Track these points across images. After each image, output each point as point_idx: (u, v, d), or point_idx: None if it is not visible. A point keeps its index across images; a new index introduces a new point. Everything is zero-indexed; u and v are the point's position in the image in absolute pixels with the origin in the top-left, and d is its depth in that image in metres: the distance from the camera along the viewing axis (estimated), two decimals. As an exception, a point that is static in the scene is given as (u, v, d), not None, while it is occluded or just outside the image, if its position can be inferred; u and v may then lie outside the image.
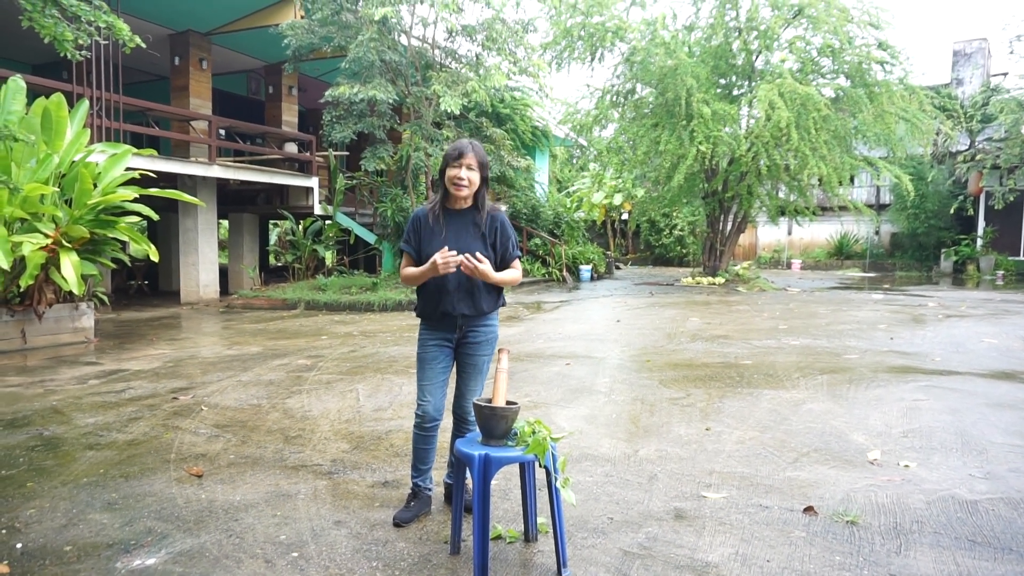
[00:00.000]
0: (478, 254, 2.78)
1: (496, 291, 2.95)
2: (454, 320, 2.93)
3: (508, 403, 2.69)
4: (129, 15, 11.74)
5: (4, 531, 2.94)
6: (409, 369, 6.24)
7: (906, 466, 3.61)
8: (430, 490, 3.11)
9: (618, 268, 24.17)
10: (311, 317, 10.47)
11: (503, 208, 19.27)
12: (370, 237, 14.79)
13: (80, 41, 5.34)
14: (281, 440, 4.12)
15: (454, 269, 2.72)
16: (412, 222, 2.89)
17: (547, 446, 2.54)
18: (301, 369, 6.24)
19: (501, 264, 2.92)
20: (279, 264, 19.97)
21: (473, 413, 2.81)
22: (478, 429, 2.69)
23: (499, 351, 2.81)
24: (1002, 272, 18.97)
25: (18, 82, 7.54)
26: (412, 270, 2.83)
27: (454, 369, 3.03)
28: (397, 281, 13.25)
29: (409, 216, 3.10)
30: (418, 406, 2.98)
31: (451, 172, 2.80)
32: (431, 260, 2.74)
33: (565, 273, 17.53)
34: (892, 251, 24.79)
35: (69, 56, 5.37)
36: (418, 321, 3.08)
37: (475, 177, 2.81)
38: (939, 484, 3.39)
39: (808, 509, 3.11)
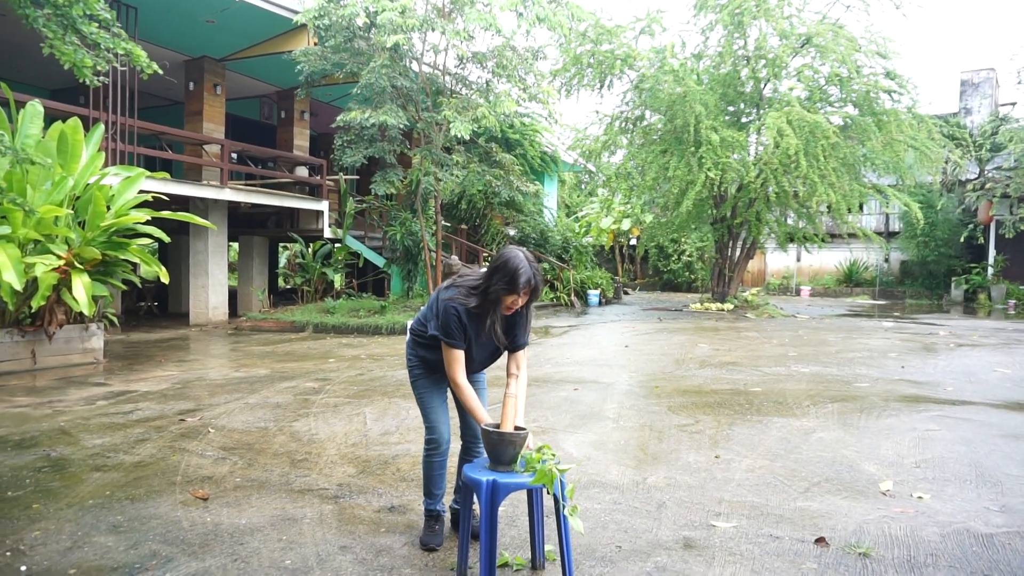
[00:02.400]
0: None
1: None
2: None
3: (516, 428, 2.68)
4: (146, 41, 11.99)
5: (9, 553, 2.93)
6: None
7: (919, 497, 3.57)
8: (445, 512, 3.11)
9: (626, 293, 24.12)
10: (319, 340, 10.48)
11: (511, 231, 19.40)
12: (379, 260, 14.86)
13: (99, 67, 5.45)
14: (287, 463, 4.11)
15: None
16: (454, 318, 2.77)
17: (555, 474, 2.53)
18: (308, 392, 6.24)
19: (512, 348, 2.91)
20: (288, 287, 20.10)
21: (481, 438, 2.80)
22: (486, 454, 2.68)
23: (508, 376, 2.81)
24: (1014, 301, 18.83)
25: (36, 107, 7.69)
26: (466, 400, 2.74)
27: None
28: (406, 304, 13.30)
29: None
30: (429, 431, 2.98)
31: (509, 299, 2.75)
32: (476, 410, 2.72)
33: (573, 298, 17.52)
34: (902, 279, 24.68)
35: (87, 82, 5.48)
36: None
37: (524, 300, 2.80)
38: (953, 516, 3.34)
39: (820, 540, 3.07)
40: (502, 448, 2.58)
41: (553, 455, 2.63)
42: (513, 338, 2.87)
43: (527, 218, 18.78)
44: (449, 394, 3.04)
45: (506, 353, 2.92)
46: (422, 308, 3.13)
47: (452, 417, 3.09)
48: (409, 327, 3.06)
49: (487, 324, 2.75)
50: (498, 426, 2.68)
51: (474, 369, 2.94)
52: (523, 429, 2.66)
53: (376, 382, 6.77)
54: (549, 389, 6.40)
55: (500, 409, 2.77)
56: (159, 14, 11.37)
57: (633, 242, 29.36)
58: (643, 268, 29.56)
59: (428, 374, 2.98)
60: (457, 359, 2.75)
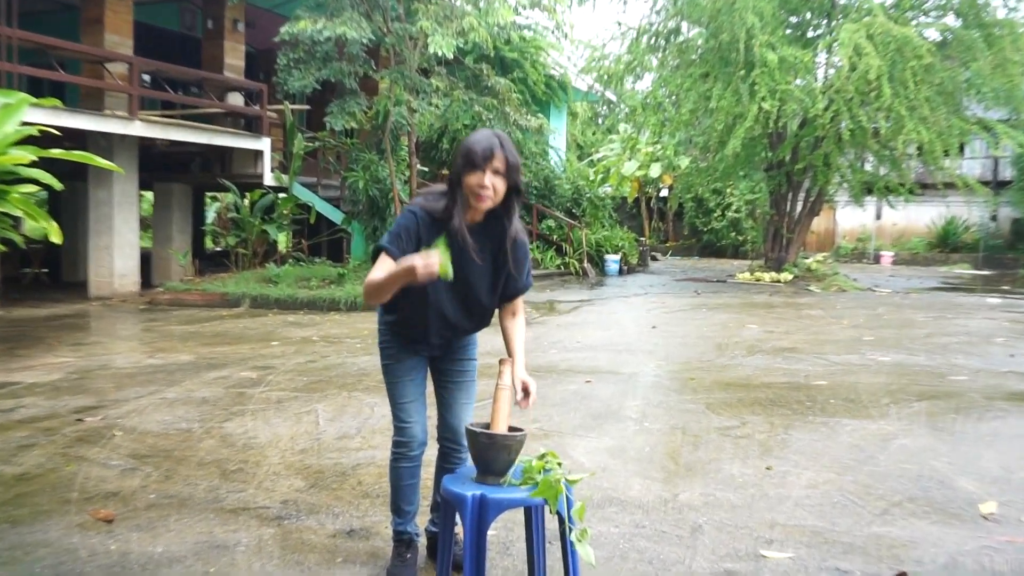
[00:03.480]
0: (529, 382, 2.78)
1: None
2: (434, 347, 2.98)
3: (511, 430, 2.68)
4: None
5: None
6: (380, 385, 6.24)
7: (1029, 520, 3.59)
8: (419, 536, 3.12)
9: (655, 259, 24.19)
10: (259, 317, 10.48)
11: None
12: (336, 215, 14.81)
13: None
14: (217, 475, 4.13)
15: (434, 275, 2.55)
16: (407, 220, 2.75)
17: (561, 487, 2.53)
18: (245, 384, 6.25)
19: (504, 296, 2.93)
20: (218, 249, 20.11)
21: (465, 440, 2.79)
22: (471, 461, 2.67)
23: (501, 363, 2.80)
24: None
25: None
26: (379, 276, 2.64)
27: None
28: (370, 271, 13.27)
29: (397, 209, 3.04)
30: (399, 431, 2.97)
31: (472, 179, 2.71)
32: (407, 263, 2.51)
33: (586, 265, 17.57)
34: (1014, 242, 24.72)
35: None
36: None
37: (502, 185, 2.76)
38: (1072, 544, 3.37)
39: (901, 575, 3.09)
40: (493, 454, 2.58)
41: (559, 464, 2.63)
42: (517, 284, 2.89)
43: (528, 161, 18.71)
44: (430, 385, 3.03)
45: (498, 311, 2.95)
46: None
47: (431, 416, 3.08)
48: None
49: (458, 242, 2.73)
50: (488, 426, 2.67)
51: (447, 330, 2.92)
52: (520, 430, 2.66)
53: (332, 371, 6.77)
54: (554, 381, 6.41)
55: (490, 405, 2.75)
56: None
57: (664, 193, 29.34)
58: (677, 227, 29.63)
59: (403, 352, 2.96)
60: (379, 264, 2.73)
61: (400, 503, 3.04)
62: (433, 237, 2.72)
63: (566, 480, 2.55)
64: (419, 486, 3.06)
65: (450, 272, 2.49)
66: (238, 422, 5.13)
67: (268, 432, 4.91)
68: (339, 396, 5.85)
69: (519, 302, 2.95)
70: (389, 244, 2.74)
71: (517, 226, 2.86)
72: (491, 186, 2.70)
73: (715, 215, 26.93)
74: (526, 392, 2.77)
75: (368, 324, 9.70)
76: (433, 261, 2.46)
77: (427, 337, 2.92)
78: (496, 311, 2.96)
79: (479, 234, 2.81)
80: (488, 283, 2.87)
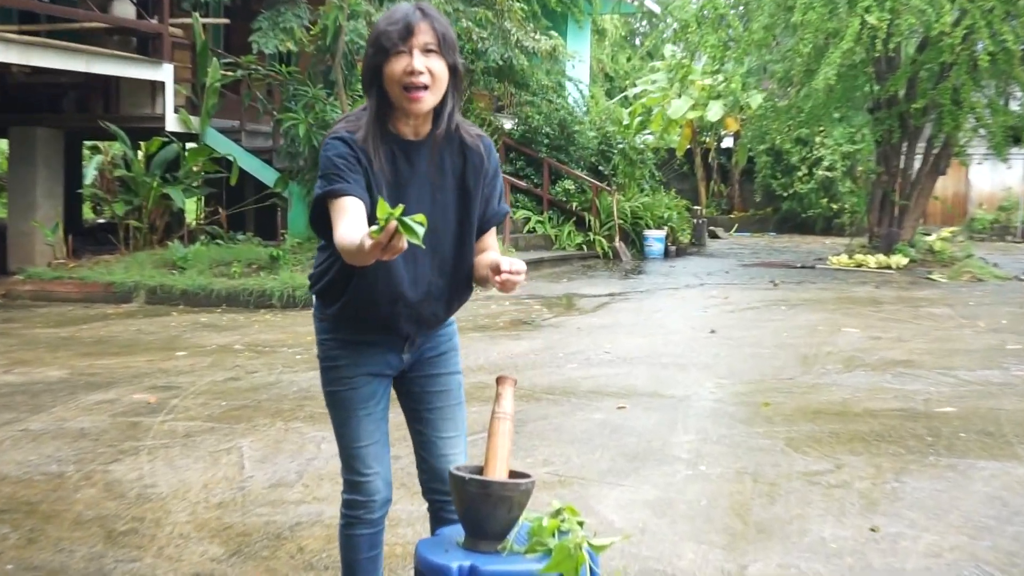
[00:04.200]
0: (516, 261, 2.72)
1: (471, 282, 2.98)
2: (404, 339, 2.94)
3: (513, 475, 2.68)
4: None
5: None
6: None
7: None
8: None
9: (714, 236, 24.19)
10: (158, 317, 10.48)
11: (506, 122, 19.20)
12: (267, 175, 14.78)
13: None
14: (101, 538, 4.13)
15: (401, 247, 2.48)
16: (338, 146, 2.72)
17: (582, 557, 2.53)
18: (139, 410, 6.25)
19: (480, 227, 2.92)
20: (101, 221, 20.07)
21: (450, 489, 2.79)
22: (459, 520, 2.68)
23: (498, 382, 2.80)
24: None
25: None
26: (353, 238, 2.52)
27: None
28: (313, 254, 13.25)
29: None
30: (353, 486, 2.97)
31: (394, 66, 2.68)
32: (370, 238, 2.36)
33: (618, 244, 17.57)
34: None
35: None
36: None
37: (440, 66, 2.75)
38: None
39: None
40: (488, 509, 2.58)
41: (579, 523, 2.63)
42: (488, 210, 2.92)
43: (535, 98, 18.67)
44: (394, 407, 3.03)
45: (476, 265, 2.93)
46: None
47: (400, 454, 3.09)
48: (309, 277, 3.02)
49: (398, 170, 2.75)
50: (480, 470, 2.68)
51: (417, 315, 2.88)
52: (525, 476, 2.66)
53: (262, 393, 6.77)
54: (573, 407, 6.41)
55: (484, 442, 2.76)
56: None
57: (728, 144, 29.27)
58: (745, 191, 29.63)
59: (357, 369, 2.93)
60: (340, 211, 2.65)
61: (354, 584, 3.05)
62: (365, 164, 2.74)
63: (590, 546, 2.55)
64: (381, 558, 3.06)
65: (420, 232, 2.37)
66: (130, 464, 5.12)
67: (172, 478, 4.89)
68: (272, 428, 5.84)
69: (489, 239, 2.97)
70: (336, 184, 2.67)
71: (469, 129, 2.88)
72: (425, 70, 2.69)
73: (799, 175, 26.84)
74: (503, 273, 2.68)
75: (311, 326, 9.70)
76: (392, 234, 2.31)
77: (393, 325, 2.88)
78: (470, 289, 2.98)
79: (428, 152, 2.81)
80: (455, 222, 2.85)
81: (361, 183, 2.70)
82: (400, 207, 2.31)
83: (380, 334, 2.92)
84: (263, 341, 8.93)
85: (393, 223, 2.30)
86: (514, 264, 2.67)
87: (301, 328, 9.63)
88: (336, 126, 2.79)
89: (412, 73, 2.66)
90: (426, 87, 2.68)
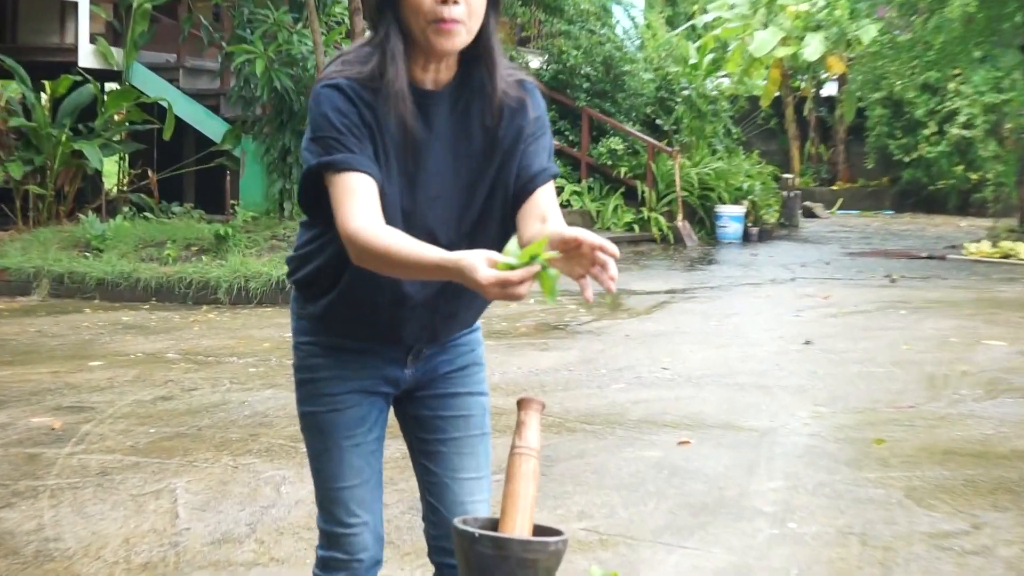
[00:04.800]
0: (609, 245, 2.50)
1: None
2: (408, 349, 2.91)
3: (539, 531, 2.66)
4: None
5: None
6: (301, 444, 6.20)
7: None
8: None
9: (811, 215, 24.10)
10: (67, 314, 10.52)
11: (533, 61, 19.05)
12: (212, 126, 14.84)
13: None
14: (-13, 609, 4.13)
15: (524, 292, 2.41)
16: (335, 100, 2.65)
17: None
18: (40, 439, 6.28)
19: (518, 195, 2.82)
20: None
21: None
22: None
23: (521, 407, 2.78)
24: None
25: None
26: (403, 246, 2.52)
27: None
28: (273, 232, 13.27)
29: (311, 86, 2.87)
30: (332, 540, 2.95)
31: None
32: (489, 266, 2.34)
33: (681, 223, 17.50)
34: None
35: None
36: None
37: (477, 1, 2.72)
38: None
39: None
40: (504, 575, 2.56)
41: (628, 600, 2.62)
42: (539, 174, 2.79)
43: (572, 27, 18.63)
44: (387, 435, 3.00)
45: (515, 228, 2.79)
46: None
47: (388, 500, 3.06)
48: (288, 261, 3.00)
49: (415, 126, 2.69)
50: (495, 523, 2.66)
51: (422, 323, 2.84)
52: (556, 533, 2.64)
53: (202, 417, 6.78)
54: (619, 441, 6.41)
55: (501, 487, 2.74)
56: None
57: (830, 90, 29.12)
58: (852, 154, 29.45)
59: (343, 383, 2.91)
60: (348, 192, 2.63)
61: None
62: (383, 120, 2.69)
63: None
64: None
65: (556, 291, 2.31)
66: (26, 510, 5.13)
67: (82, 530, 4.89)
68: (215, 464, 5.84)
69: (545, 202, 2.76)
70: (336, 153, 2.64)
71: (517, 79, 2.82)
72: (463, 2, 2.67)
73: (926, 134, 26.76)
74: (595, 255, 2.38)
75: (270, 330, 9.70)
76: (524, 280, 2.31)
77: (395, 331, 2.86)
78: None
79: (450, 106, 2.79)
80: (484, 197, 2.80)
81: (369, 151, 2.67)
82: (544, 244, 2.30)
83: (377, 341, 2.91)
84: (205, 348, 8.94)
85: (536, 267, 2.30)
86: (597, 239, 2.38)
87: (256, 331, 9.67)
88: (328, 69, 2.75)
89: (445, 1, 2.62)
90: (460, 23, 2.65)
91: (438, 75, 2.76)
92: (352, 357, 2.92)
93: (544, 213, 2.75)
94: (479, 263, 2.31)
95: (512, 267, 2.29)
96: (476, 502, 2.98)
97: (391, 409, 3.04)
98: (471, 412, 3.01)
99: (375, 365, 2.93)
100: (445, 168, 2.77)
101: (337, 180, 2.63)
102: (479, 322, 3.05)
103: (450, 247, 2.75)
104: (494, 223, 2.84)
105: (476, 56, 2.75)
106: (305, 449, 3.00)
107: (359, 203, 2.60)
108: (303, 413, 2.98)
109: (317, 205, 2.73)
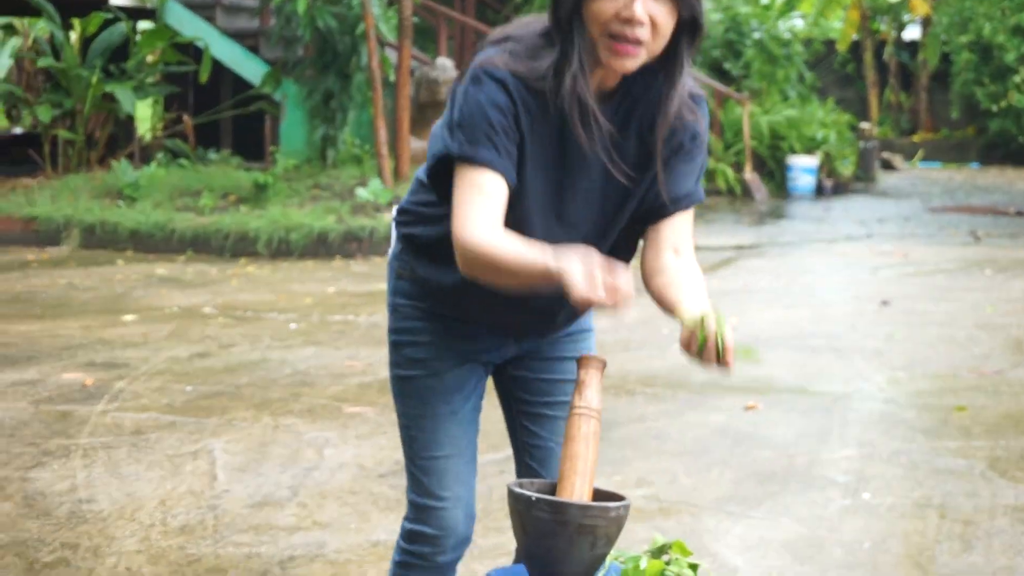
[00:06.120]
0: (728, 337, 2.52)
1: None
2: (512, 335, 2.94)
3: (599, 496, 2.69)
4: None
5: None
6: (345, 405, 6.28)
7: None
8: None
9: (889, 167, 23.88)
10: (97, 266, 10.62)
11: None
12: (251, 68, 14.86)
13: None
14: (18, 571, 4.19)
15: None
16: (495, 96, 2.60)
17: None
18: (72, 396, 6.33)
19: (650, 216, 2.79)
20: (18, 130, 20.17)
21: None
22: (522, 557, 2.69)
23: (580, 366, 2.79)
24: None
25: None
26: (509, 249, 2.52)
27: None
28: (315, 181, 13.29)
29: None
30: (417, 511, 2.97)
31: (605, 5, 2.59)
32: (561, 266, 2.39)
33: (750, 175, 17.36)
34: None
35: None
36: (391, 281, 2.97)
37: (665, 15, 2.64)
38: None
39: None
40: (562, 543, 2.58)
41: (692, 567, 2.64)
42: (686, 196, 2.76)
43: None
44: (481, 410, 3.02)
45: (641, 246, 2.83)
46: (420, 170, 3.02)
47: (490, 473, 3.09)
48: (399, 211, 2.98)
49: (571, 129, 2.62)
50: (553, 487, 2.68)
51: (548, 312, 2.83)
52: (618, 498, 2.66)
53: (241, 375, 6.84)
54: (682, 405, 6.43)
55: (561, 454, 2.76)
56: None
57: (913, 33, 28.82)
58: (936, 103, 29.13)
59: (445, 353, 2.95)
60: (475, 190, 2.59)
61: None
62: (536, 133, 2.64)
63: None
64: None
65: (756, 354, 2.45)
66: (58, 470, 5.18)
67: (116, 491, 4.95)
68: (255, 425, 5.89)
69: (681, 231, 2.78)
70: (481, 148, 2.60)
71: (689, 93, 2.74)
72: (645, 18, 2.61)
73: (1016, 80, 26.45)
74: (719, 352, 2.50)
75: (316, 284, 9.73)
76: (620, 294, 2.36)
77: (505, 326, 2.89)
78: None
79: (616, 112, 2.72)
80: (630, 203, 2.76)
81: (513, 155, 2.62)
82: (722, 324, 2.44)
83: (482, 336, 2.92)
84: (244, 303, 8.99)
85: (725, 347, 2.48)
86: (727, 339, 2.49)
87: (297, 286, 9.70)
88: (491, 52, 2.68)
89: (627, 20, 2.54)
90: (641, 43, 2.59)
91: (605, 81, 2.71)
92: (455, 326, 2.91)
93: (678, 244, 2.77)
94: (578, 282, 2.31)
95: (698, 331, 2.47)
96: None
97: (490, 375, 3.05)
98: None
99: (479, 336, 2.93)
100: (596, 179, 2.72)
101: (470, 174, 2.60)
102: None
103: (606, 244, 2.77)
104: (624, 249, 2.84)
105: (651, 67, 2.68)
106: (398, 422, 2.99)
107: (484, 208, 2.58)
108: (397, 377, 2.97)
109: (440, 185, 2.71)
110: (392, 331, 2.96)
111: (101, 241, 11.56)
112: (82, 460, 5.33)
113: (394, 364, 2.96)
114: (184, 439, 5.65)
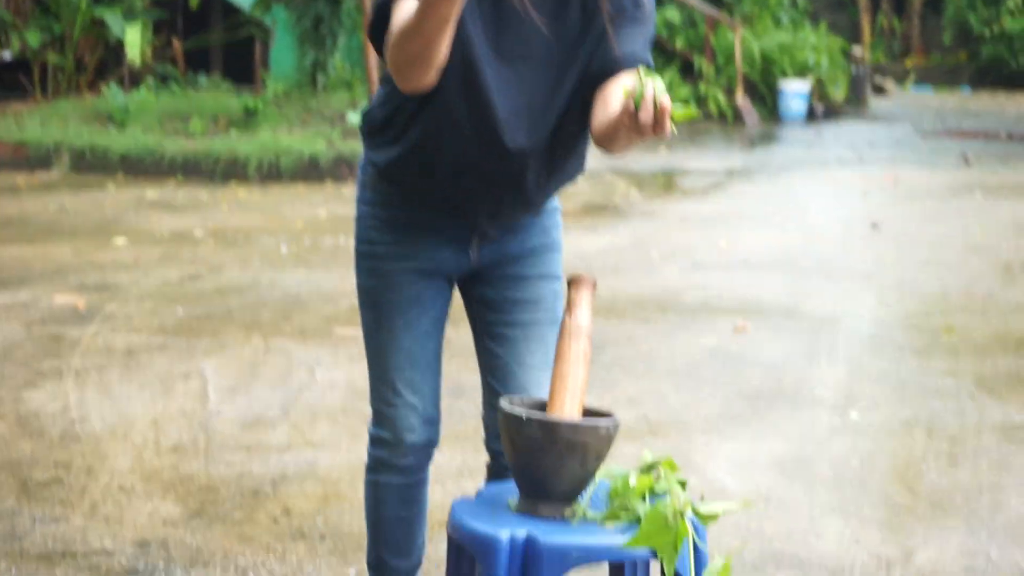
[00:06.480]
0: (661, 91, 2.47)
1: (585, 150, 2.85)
2: (472, 228, 2.88)
3: (589, 414, 2.69)
4: None
5: None
6: (336, 327, 6.30)
7: None
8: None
9: (880, 91, 23.81)
10: (88, 190, 10.62)
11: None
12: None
13: None
14: (13, 489, 4.22)
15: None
16: None
17: (685, 529, 2.55)
18: (64, 318, 6.36)
19: (598, 79, 2.74)
20: (7, 55, 20.09)
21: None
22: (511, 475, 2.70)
23: (571, 286, 2.79)
24: None
25: None
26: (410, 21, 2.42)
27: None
28: (306, 105, 13.24)
29: None
30: (382, 419, 3.01)
31: None
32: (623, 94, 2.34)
33: (742, 100, 17.31)
34: None
35: None
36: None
37: None
38: None
39: None
40: (552, 460, 2.58)
41: (681, 483, 2.65)
42: (631, 52, 2.70)
43: None
44: (445, 324, 3.02)
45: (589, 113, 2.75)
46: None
47: (452, 387, 3.08)
48: (364, 115, 2.96)
49: None
50: (544, 405, 2.68)
51: (503, 184, 2.79)
52: (607, 415, 2.67)
53: (231, 298, 6.88)
54: (671, 327, 6.46)
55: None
56: None
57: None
58: (928, 27, 29.02)
59: (394, 248, 2.92)
60: (403, 15, 2.48)
61: (383, 552, 3.10)
62: None
63: (695, 514, 2.57)
64: (421, 521, 3.12)
65: (693, 110, 2.35)
66: (51, 391, 5.21)
67: (109, 411, 4.98)
68: (246, 346, 5.92)
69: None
70: None
71: None
72: None
73: (1009, 5, 26.32)
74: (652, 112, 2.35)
75: (303, 208, 9.72)
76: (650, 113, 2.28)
77: (460, 203, 2.85)
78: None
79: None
80: (577, 74, 2.72)
81: None
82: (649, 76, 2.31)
83: (441, 215, 2.89)
84: (234, 227, 8.99)
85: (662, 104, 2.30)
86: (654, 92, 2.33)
87: (288, 209, 9.69)
88: None
89: None
90: None
91: None
92: (414, 234, 2.91)
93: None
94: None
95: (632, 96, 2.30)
96: (542, 391, 2.93)
97: (459, 290, 3.04)
98: (541, 297, 2.98)
99: (437, 245, 2.91)
100: (536, 48, 2.69)
101: (404, 6, 2.51)
102: (558, 202, 3.01)
103: (531, 138, 2.73)
104: (577, 114, 2.76)
105: None
106: (363, 332, 3.01)
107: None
108: (360, 286, 2.99)
109: (379, 40, 2.64)
110: (357, 241, 2.98)
111: (91, 165, 11.55)
112: (74, 381, 5.35)
113: (357, 273, 2.99)
114: (175, 360, 5.67)
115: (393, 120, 2.80)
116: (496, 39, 2.67)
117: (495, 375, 3.02)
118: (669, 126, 2.30)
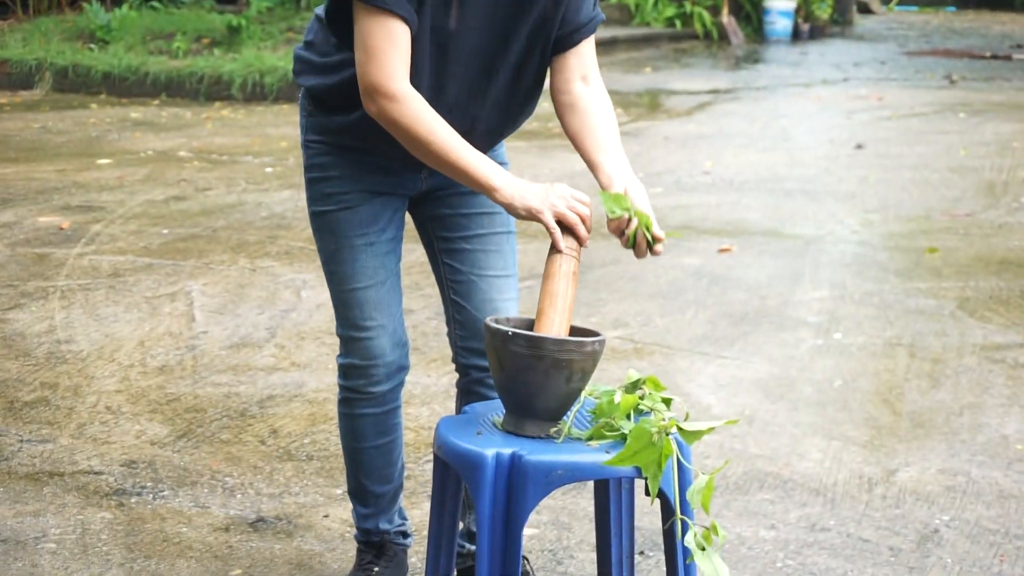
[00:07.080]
0: (656, 229, 2.63)
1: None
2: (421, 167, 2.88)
3: (575, 333, 2.69)
4: None
5: None
6: (314, 247, 6.26)
7: None
8: (405, 539, 3.20)
9: (866, 10, 23.63)
10: (71, 109, 10.52)
11: None
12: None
13: None
14: (0, 413, 4.22)
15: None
16: None
17: (669, 447, 2.56)
18: (48, 239, 6.34)
19: (560, 43, 2.78)
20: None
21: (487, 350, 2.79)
22: (496, 394, 2.70)
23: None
24: None
25: None
26: (447, 140, 2.56)
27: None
28: (289, 24, 13.15)
29: None
30: (350, 346, 2.99)
31: None
32: (508, 197, 2.59)
33: (727, 19, 17.17)
34: None
35: None
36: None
37: None
38: None
39: None
40: (538, 377, 2.58)
41: (665, 401, 2.66)
42: (579, 18, 2.76)
43: None
44: (408, 238, 3.02)
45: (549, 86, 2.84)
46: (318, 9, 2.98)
47: (413, 307, 3.09)
48: (296, 57, 2.98)
49: None
50: (530, 324, 2.69)
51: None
52: (594, 334, 2.67)
53: (217, 218, 6.84)
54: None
55: (539, 289, 2.76)
56: None
57: None
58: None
59: (344, 172, 2.92)
60: (388, 41, 2.55)
61: (363, 478, 3.10)
62: None
63: (679, 432, 2.58)
64: (398, 446, 3.12)
65: (652, 228, 2.60)
66: (36, 311, 5.21)
67: (95, 332, 4.97)
68: (232, 267, 5.90)
69: (587, 58, 2.82)
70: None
71: None
72: None
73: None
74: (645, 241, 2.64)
75: (287, 127, 9.67)
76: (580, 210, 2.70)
77: (413, 160, 2.82)
78: (548, 93, 2.88)
79: None
80: (523, 46, 2.74)
81: None
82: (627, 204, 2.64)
83: (393, 160, 2.87)
84: (219, 147, 8.93)
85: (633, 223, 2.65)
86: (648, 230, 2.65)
87: (272, 129, 9.64)
88: None
89: None
90: None
91: None
92: (364, 159, 2.91)
93: (586, 72, 2.81)
94: (517, 198, 2.57)
95: (613, 212, 2.62)
96: (506, 300, 2.98)
97: (407, 212, 3.04)
98: (494, 209, 2.92)
99: (388, 169, 2.92)
100: (486, 8, 2.67)
101: (375, 20, 2.54)
102: None
103: (483, 97, 2.77)
104: (531, 72, 2.80)
105: None
106: (321, 261, 3.02)
107: (399, 60, 2.56)
108: (314, 213, 2.99)
109: (347, 30, 2.64)
110: (306, 168, 2.98)
111: (74, 84, 11.46)
112: (60, 302, 5.33)
113: (310, 200, 2.99)
114: (161, 281, 5.65)
115: (335, 97, 2.85)
116: (445, 28, 2.66)
117: (457, 290, 3.02)
118: (662, 251, 2.62)
